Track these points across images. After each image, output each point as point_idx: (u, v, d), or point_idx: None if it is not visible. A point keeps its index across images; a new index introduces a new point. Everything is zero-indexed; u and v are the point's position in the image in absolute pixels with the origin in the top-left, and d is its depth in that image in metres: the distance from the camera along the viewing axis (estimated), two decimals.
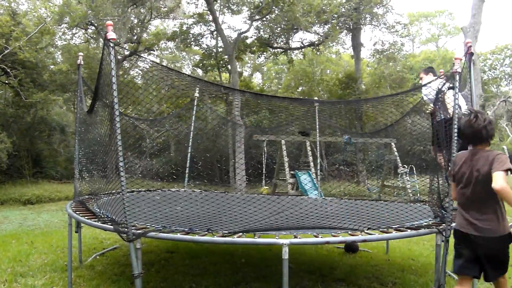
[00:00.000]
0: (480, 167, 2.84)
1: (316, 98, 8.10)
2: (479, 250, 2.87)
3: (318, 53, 21.80)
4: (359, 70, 21.17)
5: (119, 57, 18.06)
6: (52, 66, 18.16)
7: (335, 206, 5.28)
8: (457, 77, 3.54)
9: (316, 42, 20.67)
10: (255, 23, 19.22)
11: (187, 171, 7.16)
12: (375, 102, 5.28)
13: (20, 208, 12.22)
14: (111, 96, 3.28)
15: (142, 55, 23.18)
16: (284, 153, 12.28)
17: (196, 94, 7.14)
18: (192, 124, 7.18)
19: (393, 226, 3.74)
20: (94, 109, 4.59)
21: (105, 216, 3.89)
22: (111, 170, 3.72)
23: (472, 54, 4.40)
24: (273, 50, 21.69)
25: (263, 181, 13.00)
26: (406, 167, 12.10)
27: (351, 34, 21.05)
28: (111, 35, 3.35)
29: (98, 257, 5.66)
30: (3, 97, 17.09)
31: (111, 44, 3.34)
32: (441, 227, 3.56)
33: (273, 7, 17.65)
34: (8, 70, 14.18)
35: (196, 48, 22.13)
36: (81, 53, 5.51)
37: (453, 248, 3.10)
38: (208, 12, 18.19)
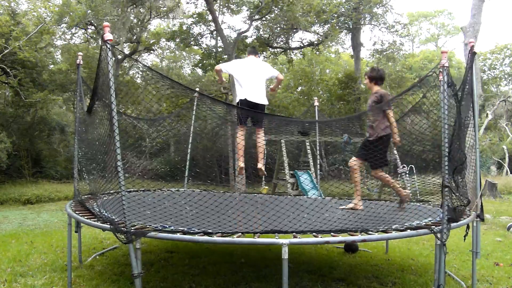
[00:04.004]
0: None
1: (315, 98, 8.11)
2: None
3: (317, 53, 21.78)
4: (358, 70, 21.16)
5: (119, 56, 18.05)
6: (51, 66, 18.15)
7: (335, 207, 5.28)
8: (445, 72, 3.52)
9: (316, 42, 20.65)
10: (254, 23, 19.22)
11: (186, 170, 7.16)
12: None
13: (20, 208, 12.22)
14: (109, 96, 3.29)
15: (142, 54, 23.21)
16: (284, 152, 12.28)
17: (196, 94, 7.13)
18: (192, 123, 7.17)
19: (393, 227, 3.73)
20: (93, 109, 4.59)
21: (104, 216, 3.89)
22: (110, 169, 3.73)
23: (474, 53, 4.38)
24: (273, 50, 21.67)
25: (263, 181, 12.99)
26: (406, 166, 12.07)
27: (350, 34, 21.05)
28: (108, 36, 3.37)
29: (98, 257, 5.66)
30: (2, 96, 17.08)
31: (108, 45, 3.36)
32: (438, 227, 3.56)
33: (273, 7, 17.64)
34: (8, 70, 14.17)
35: (196, 47, 22.11)
36: (80, 53, 5.50)
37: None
38: (208, 11, 18.18)
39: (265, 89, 5.42)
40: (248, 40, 20.29)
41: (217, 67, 5.58)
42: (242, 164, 5.32)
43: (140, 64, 17.21)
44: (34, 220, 9.64)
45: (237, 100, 5.35)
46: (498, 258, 6.03)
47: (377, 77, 4.71)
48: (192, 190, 6.92)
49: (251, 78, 5.25)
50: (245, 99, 5.15)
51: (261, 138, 4.89)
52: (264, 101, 5.36)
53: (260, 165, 5.25)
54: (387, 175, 4.66)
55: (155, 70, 4.17)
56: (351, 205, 5.00)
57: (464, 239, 4.30)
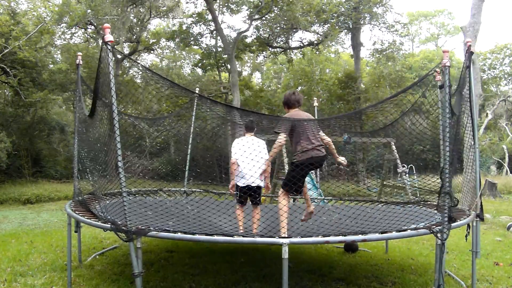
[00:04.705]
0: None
1: (315, 98, 8.13)
2: None
3: (317, 52, 21.78)
4: (358, 69, 21.16)
5: (118, 56, 18.05)
6: (51, 66, 18.14)
7: (335, 210, 5.28)
8: (447, 71, 3.51)
9: (316, 42, 20.66)
10: (254, 23, 19.22)
11: (187, 170, 7.16)
12: (373, 108, 5.28)
13: (20, 207, 12.22)
14: (110, 97, 3.30)
15: (142, 54, 23.21)
16: (284, 152, 12.26)
17: (196, 94, 7.13)
18: (192, 123, 7.17)
19: (393, 230, 3.72)
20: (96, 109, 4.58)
21: (105, 215, 3.89)
22: (111, 169, 3.73)
23: (472, 53, 4.38)
24: (273, 49, 21.66)
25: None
26: (406, 166, 12.07)
27: (350, 33, 21.05)
28: (109, 37, 3.38)
29: (97, 256, 5.67)
30: (2, 96, 17.07)
31: (109, 47, 3.36)
32: (438, 228, 3.56)
33: (273, 7, 17.64)
34: (8, 70, 14.16)
35: (196, 47, 22.12)
36: (80, 53, 5.51)
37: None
38: (208, 11, 18.18)
39: (261, 169, 5.14)
40: (248, 40, 20.30)
41: (233, 160, 5.19)
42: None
43: (139, 65, 17.24)
44: (34, 220, 9.64)
45: (235, 183, 5.11)
46: (498, 257, 6.04)
47: (284, 103, 4.61)
48: (192, 190, 6.92)
49: (249, 161, 5.03)
50: (243, 184, 4.96)
51: (257, 213, 4.87)
52: (261, 184, 5.11)
53: (255, 230, 5.18)
54: (285, 205, 4.16)
55: (152, 70, 4.17)
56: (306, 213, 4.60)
57: (466, 239, 4.30)
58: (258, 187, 4.91)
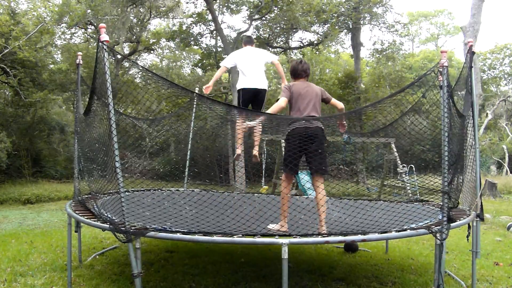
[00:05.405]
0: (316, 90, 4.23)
1: None
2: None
3: (317, 52, 21.77)
4: (358, 69, 21.15)
5: (118, 56, 18.05)
6: (51, 66, 18.14)
7: (334, 208, 5.28)
8: (445, 71, 3.51)
9: (316, 42, 20.65)
10: (254, 23, 19.21)
11: (186, 170, 7.15)
12: (372, 107, 5.30)
13: (20, 207, 12.22)
14: (106, 97, 3.32)
15: (142, 54, 23.20)
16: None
17: (195, 93, 7.11)
18: (192, 123, 7.17)
19: (393, 230, 3.72)
20: (93, 109, 4.59)
21: (104, 216, 3.89)
22: (110, 169, 3.73)
23: (473, 53, 4.39)
24: (273, 49, 21.64)
25: (263, 181, 12.98)
26: (406, 166, 12.08)
27: (350, 33, 21.04)
28: (104, 37, 3.40)
29: (97, 256, 5.67)
30: (2, 96, 17.08)
31: (105, 46, 3.38)
32: (437, 227, 3.55)
33: (273, 7, 17.63)
34: (8, 70, 14.17)
35: (196, 47, 22.10)
36: (80, 53, 5.52)
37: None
38: (208, 11, 18.18)
39: (264, 74, 5.81)
40: None
41: (222, 66, 5.88)
42: (239, 151, 5.50)
43: (139, 65, 17.27)
44: (34, 220, 9.64)
45: (240, 88, 5.66)
46: (498, 257, 6.04)
47: (291, 72, 4.40)
48: (192, 190, 6.92)
49: (252, 66, 5.65)
50: (248, 86, 5.55)
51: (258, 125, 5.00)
52: (265, 86, 5.74)
53: (255, 151, 5.36)
54: (285, 188, 3.94)
55: (151, 71, 4.18)
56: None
57: (467, 239, 4.30)
58: (265, 90, 5.19)
